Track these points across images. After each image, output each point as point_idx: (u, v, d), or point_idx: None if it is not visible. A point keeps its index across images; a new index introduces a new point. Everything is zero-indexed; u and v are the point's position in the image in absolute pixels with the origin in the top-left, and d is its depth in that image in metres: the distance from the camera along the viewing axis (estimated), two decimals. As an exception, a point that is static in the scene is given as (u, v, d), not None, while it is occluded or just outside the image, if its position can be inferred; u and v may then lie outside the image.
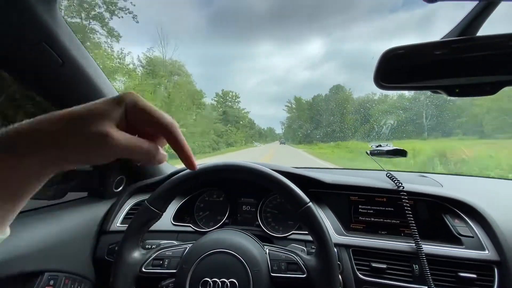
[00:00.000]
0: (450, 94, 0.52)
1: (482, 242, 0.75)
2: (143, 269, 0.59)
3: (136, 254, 0.62)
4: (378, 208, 0.91)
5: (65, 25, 0.56)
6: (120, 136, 0.28)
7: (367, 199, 0.93)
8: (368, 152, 1.11)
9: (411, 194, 0.84)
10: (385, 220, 0.90)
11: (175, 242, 0.71)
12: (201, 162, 0.64)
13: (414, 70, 0.56)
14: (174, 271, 0.59)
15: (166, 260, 0.62)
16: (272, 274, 0.58)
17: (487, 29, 0.51)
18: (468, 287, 0.70)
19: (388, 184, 0.89)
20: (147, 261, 0.61)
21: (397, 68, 0.56)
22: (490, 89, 0.50)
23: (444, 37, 0.55)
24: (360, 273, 0.75)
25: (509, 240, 0.72)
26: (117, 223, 0.91)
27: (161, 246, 0.67)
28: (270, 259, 0.60)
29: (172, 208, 0.96)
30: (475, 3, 0.50)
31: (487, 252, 0.73)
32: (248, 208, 1.03)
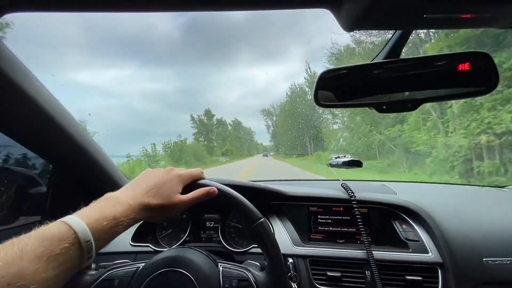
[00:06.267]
0: (379, 110, 0.58)
1: (426, 245, 0.80)
2: None
3: (84, 275, 0.60)
4: (335, 217, 0.95)
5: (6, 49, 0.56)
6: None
7: (325, 209, 0.96)
8: (328, 163, 1.16)
9: (361, 202, 0.89)
10: (342, 229, 0.94)
11: (129, 261, 0.69)
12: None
13: (348, 90, 0.61)
14: None
15: (117, 281, 0.60)
16: None
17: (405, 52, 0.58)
18: None
19: (343, 194, 0.94)
20: (96, 282, 0.59)
21: (333, 88, 0.61)
22: (412, 105, 0.56)
23: (373, 60, 0.61)
24: (316, 283, 0.77)
25: (451, 243, 0.78)
26: None
27: (113, 266, 0.65)
28: (222, 276, 0.60)
29: (130, 228, 0.93)
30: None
31: (430, 254, 0.78)
32: (211, 224, 1.02)
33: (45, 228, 0.36)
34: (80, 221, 0.37)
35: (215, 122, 74.10)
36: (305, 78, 40.53)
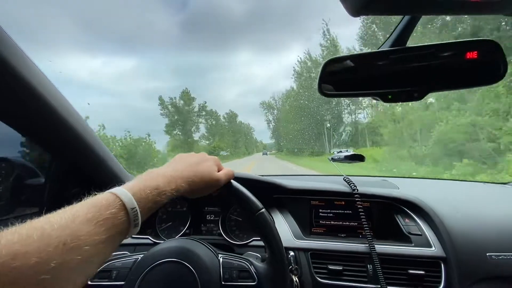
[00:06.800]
0: (384, 100, 0.56)
1: (429, 239, 0.79)
2: (88, 282, 0.56)
3: None
4: (337, 211, 0.94)
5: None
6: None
7: (327, 203, 0.95)
8: (330, 158, 1.15)
9: (364, 196, 0.88)
10: (344, 223, 0.93)
11: (128, 253, 0.68)
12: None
13: (353, 78, 0.60)
14: (122, 283, 0.57)
15: (115, 272, 0.59)
16: (223, 282, 0.57)
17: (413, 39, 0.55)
18: (418, 283, 0.74)
19: (345, 188, 0.93)
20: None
21: (338, 77, 0.60)
22: (418, 95, 0.55)
23: (379, 48, 0.59)
24: (317, 276, 0.76)
25: (454, 237, 0.77)
26: None
27: (111, 256, 0.64)
28: (222, 267, 0.59)
29: None
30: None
31: (433, 249, 0.77)
32: (212, 217, 1.01)
33: (93, 198, 0.38)
34: (125, 190, 0.39)
35: (196, 109, 52.10)
36: (321, 46, 30.29)
